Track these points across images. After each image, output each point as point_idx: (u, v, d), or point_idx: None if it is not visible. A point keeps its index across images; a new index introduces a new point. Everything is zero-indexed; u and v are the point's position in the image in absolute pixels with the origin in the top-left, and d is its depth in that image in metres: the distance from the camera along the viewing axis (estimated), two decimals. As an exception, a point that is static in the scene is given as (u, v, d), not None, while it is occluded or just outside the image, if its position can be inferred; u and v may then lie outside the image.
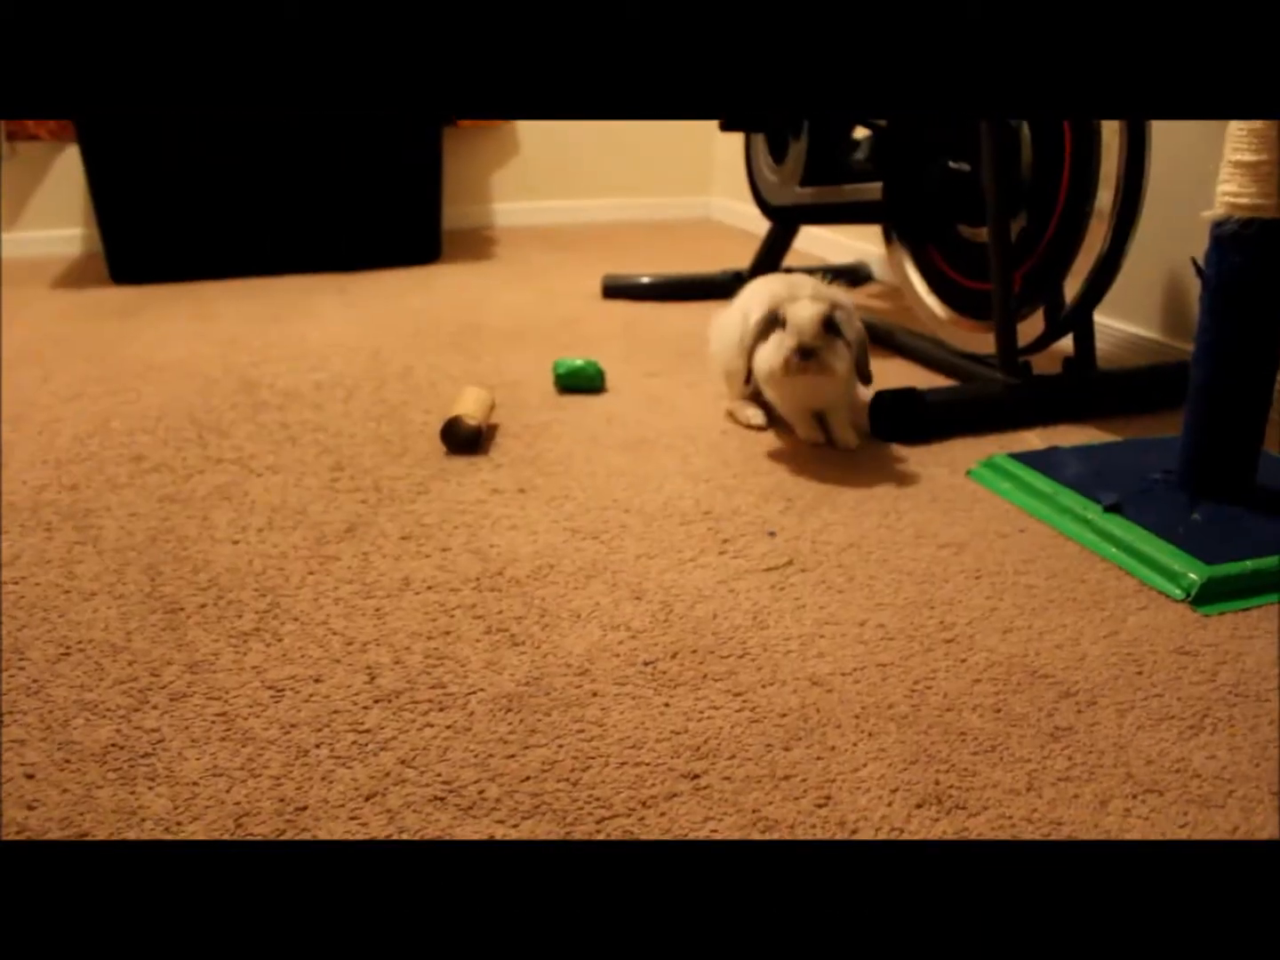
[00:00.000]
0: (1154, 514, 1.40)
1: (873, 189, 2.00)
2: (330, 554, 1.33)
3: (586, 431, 1.73)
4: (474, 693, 1.06)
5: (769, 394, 1.68)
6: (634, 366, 2.06)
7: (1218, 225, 1.35)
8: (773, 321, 1.56)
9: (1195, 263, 1.40)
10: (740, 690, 1.07)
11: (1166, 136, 1.89)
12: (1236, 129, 1.30)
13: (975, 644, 1.16)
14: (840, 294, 1.65)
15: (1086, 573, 1.32)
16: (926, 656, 1.13)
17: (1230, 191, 1.33)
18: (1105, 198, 1.73)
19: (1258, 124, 1.27)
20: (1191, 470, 1.46)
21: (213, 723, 1.01)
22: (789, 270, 2.52)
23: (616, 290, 2.59)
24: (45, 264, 2.95)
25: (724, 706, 1.04)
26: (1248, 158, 1.29)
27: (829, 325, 1.55)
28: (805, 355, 1.53)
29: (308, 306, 2.49)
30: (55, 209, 3.08)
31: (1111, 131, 1.70)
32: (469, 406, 1.66)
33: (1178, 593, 1.27)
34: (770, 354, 1.56)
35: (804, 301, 1.55)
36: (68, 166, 3.03)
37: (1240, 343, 1.38)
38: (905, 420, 1.72)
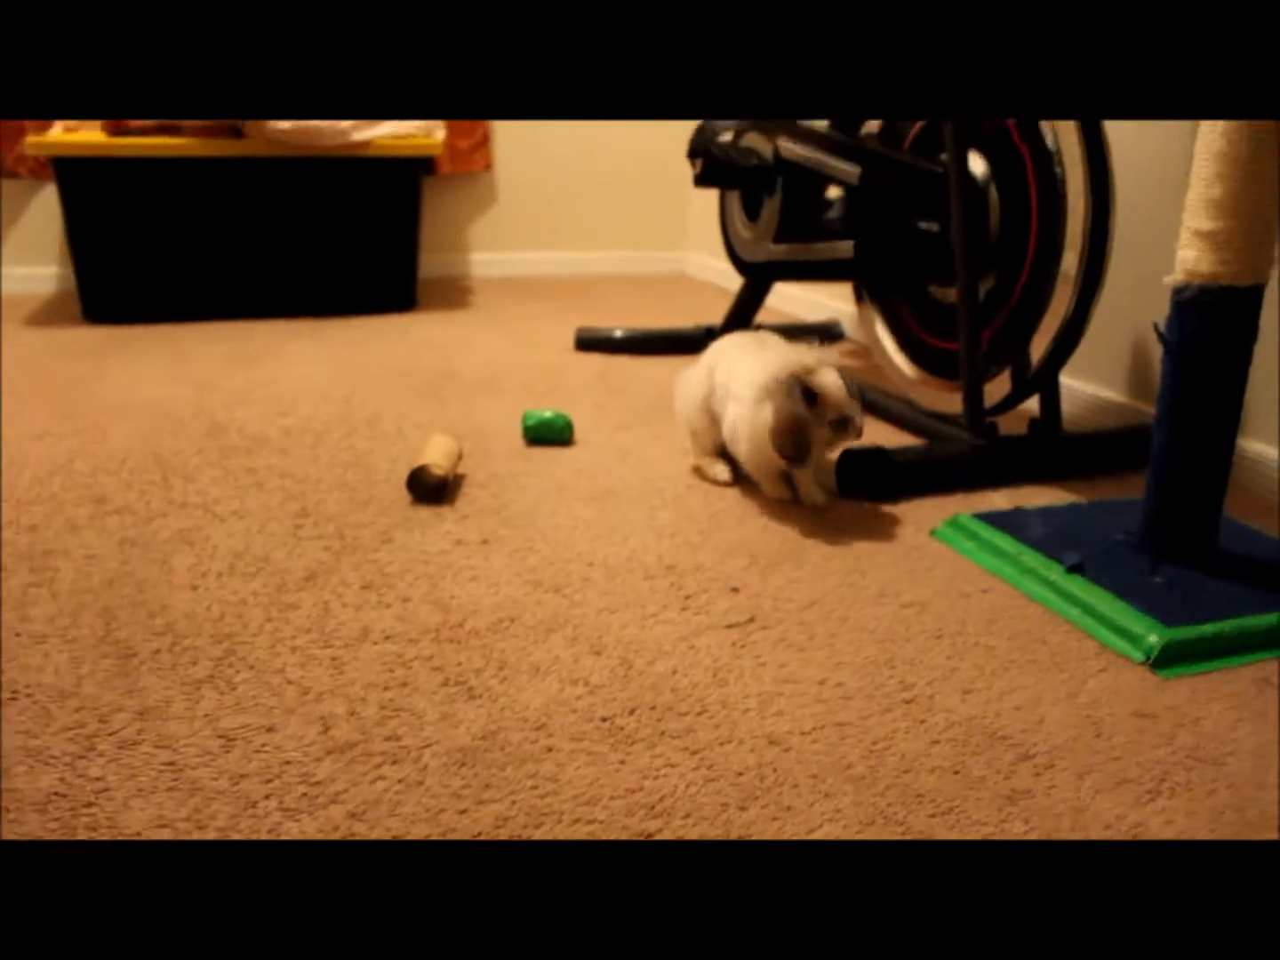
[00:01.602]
0: (1116, 576, 1.41)
1: (844, 247, 2.02)
2: (290, 602, 1.32)
3: (554, 483, 1.73)
4: (428, 746, 1.05)
5: (739, 453, 1.67)
6: (604, 419, 2.06)
7: (1178, 291, 1.37)
8: (806, 393, 1.55)
9: (1157, 327, 1.42)
10: (697, 748, 1.06)
11: (1132, 200, 1.92)
12: (1195, 199, 1.32)
13: (935, 704, 1.16)
14: (819, 353, 1.64)
15: (1048, 634, 1.32)
16: (885, 717, 1.13)
17: (1189, 259, 1.34)
18: (1071, 260, 1.75)
19: (1215, 193, 1.30)
20: (1153, 532, 1.47)
21: (160, 772, 0.99)
22: (759, 328, 2.55)
23: (589, 343, 2.60)
24: (19, 301, 2.94)
25: (680, 764, 1.03)
26: (1206, 226, 1.32)
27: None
28: (843, 425, 1.56)
29: (281, 351, 2.49)
30: (31, 247, 3.07)
31: (1077, 194, 1.73)
32: (436, 456, 1.66)
33: (1138, 655, 1.27)
34: (815, 431, 1.55)
35: (826, 368, 1.56)
36: (46, 205, 3.03)
37: (1201, 406, 1.39)
38: (872, 479, 1.73)
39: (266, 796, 0.97)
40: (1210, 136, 1.30)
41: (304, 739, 1.05)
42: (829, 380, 1.55)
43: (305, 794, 0.98)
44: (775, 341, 1.68)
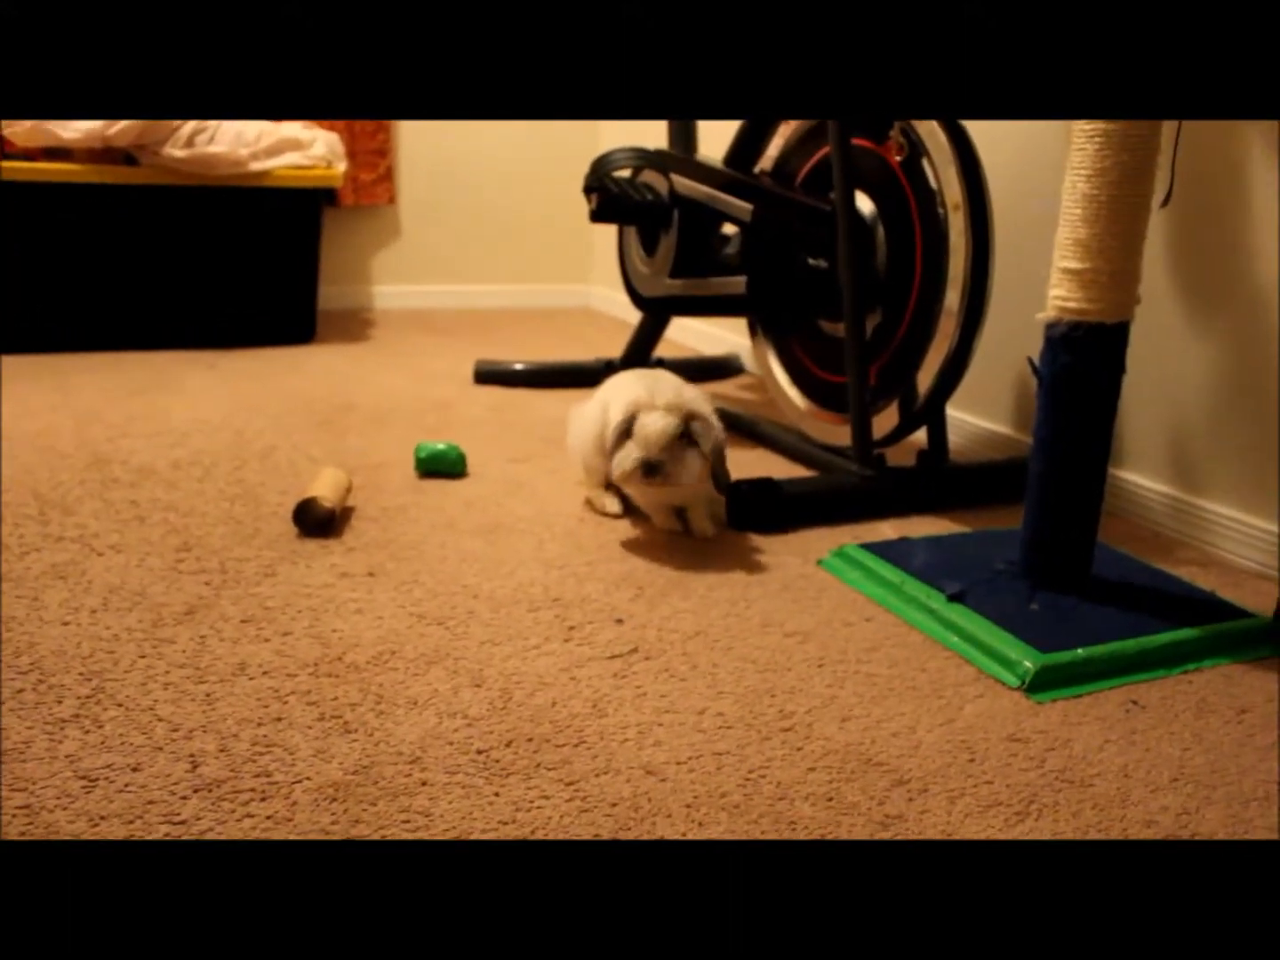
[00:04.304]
0: (995, 603, 1.44)
1: (737, 283, 2.05)
2: (165, 637, 1.29)
3: (444, 516, 1.72)
4: (299, 782, 1.03)
5: (627, 491, 1.69)
6: (498, 451, 2.06)
7: (1049, 327, 1.42)
8: (628, 429, 1.57)
9: (1031, 362, 1.46)
10: (573, 779, 1.06)
11: (1013, 240, 1.97)
12: (1062, 239, 1.37)
13: (813, 732, 1.17)
14: (699, 400, 1.64)
15: (928, 661, 1.34)
16: (763, 745, 1.14)
17: (1059, 296, 1.39)
18: (954, 297, 1.80)
19: (1081, 234, 1.34)
20: (1031, 561, 1.50)
21: (13, 817, 0.96)
22: (660, 361, 2.57)
23: (489, 376, 2.59)
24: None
25: (554, 796, 1.03)
26: (1073, 265, 1.36)
27: (684, 436, 1.56)
28: (649, 470, 1.55)
29: (175, 382, 2.44)
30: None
31: (959, 234, 1.78)
32: (324, 488, 1.64)
33: (1013, 680, 1.30)
34: (621, 461, 1.57)
35: (656, 413, 1.55)
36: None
37: (1073, 438, 1.44)
38: (762, 510, 1.74)
39: (127, 838, 0.94)
40: (1075, 180, 1.34)
41: (170, 777, 1.03)
42: (645, 422, 1.55)
43: (168, 834, 0.95)
44: (670, 382, 1.68)
